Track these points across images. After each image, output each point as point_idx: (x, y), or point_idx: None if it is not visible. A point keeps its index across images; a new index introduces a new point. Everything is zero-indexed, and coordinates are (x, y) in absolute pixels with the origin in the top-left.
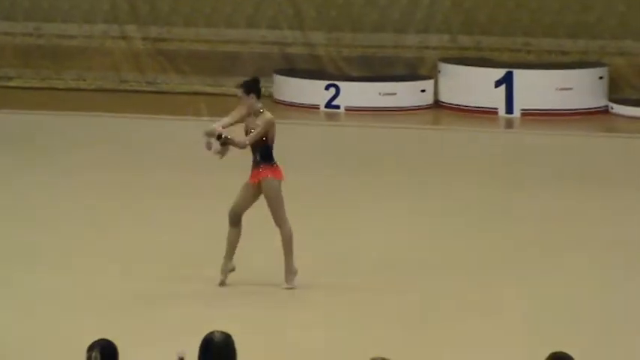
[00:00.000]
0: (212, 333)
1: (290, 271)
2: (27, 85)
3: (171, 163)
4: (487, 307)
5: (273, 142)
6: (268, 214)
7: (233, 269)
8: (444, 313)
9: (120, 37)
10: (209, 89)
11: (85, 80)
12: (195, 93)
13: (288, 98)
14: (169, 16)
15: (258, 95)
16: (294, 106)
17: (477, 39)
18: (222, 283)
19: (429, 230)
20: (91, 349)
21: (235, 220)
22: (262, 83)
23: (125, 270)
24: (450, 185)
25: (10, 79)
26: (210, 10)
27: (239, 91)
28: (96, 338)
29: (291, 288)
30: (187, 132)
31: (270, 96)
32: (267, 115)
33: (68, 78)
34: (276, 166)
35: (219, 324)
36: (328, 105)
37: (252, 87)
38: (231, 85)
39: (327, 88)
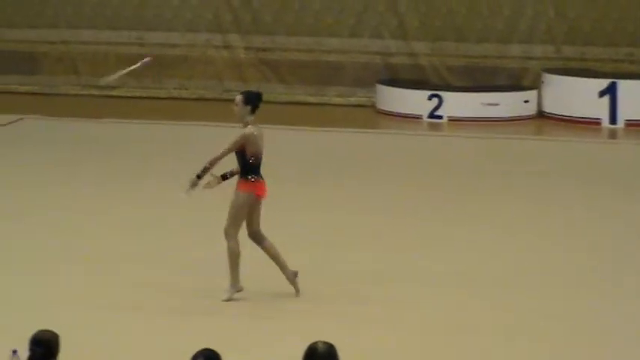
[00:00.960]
0: (316, 343)
1: (232, 284)
2: (129, 94)
3: (272, 172)
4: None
5: (254, 156)
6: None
7: (296, 274)
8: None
9: (222, 46)
10: (311, 99)
11: (187, 89)
12: (298, 103)
13: (390, 108)
14: (272, 26)
15: (254, 110)
16: (397, 116)
17: (581, 49)
18: (298, 292)
19: (533, 240)
20: (195, 358)
21: (258, 239)
22: (364, 93)
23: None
24: (553, 195)
25: (113, 88)
26: (313, 20)
27: (239, 98)
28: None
29: (227, 300)
30: (289, 141)
31: (373, 106)
32: (247, 130)
33: (170, 87)
34: (255, 180)
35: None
36: (431, 115)
37: (251, 99)
38: (333, 95)
39: (429, 98)
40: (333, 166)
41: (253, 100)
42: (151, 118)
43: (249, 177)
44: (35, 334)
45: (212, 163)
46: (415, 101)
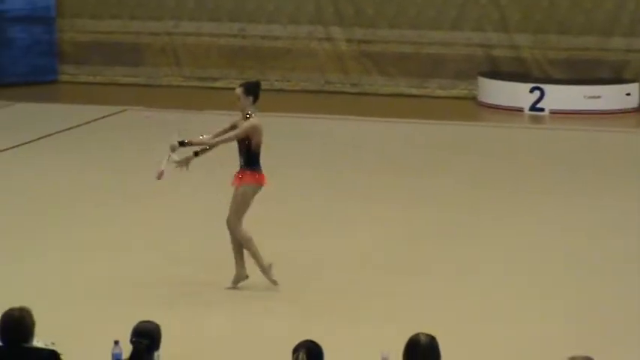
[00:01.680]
0: (417, 335)
1: (262, 269)
2: (232, 86)
3: (373, 164)
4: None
5: (258, 147)
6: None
7: (246, 277)
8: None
9: (324, 38)
10: (414, 91)
11: (289, 81)
12: (400, 95)
13: (492, 100)
14: (374, 18)
15: (255, 100)
16: (498, 108)
17: None
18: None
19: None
20: (296, 350)
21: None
22: (466, 86)
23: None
24: None
25: (215, 79)
26: (415, 13)
27: (239, 90)
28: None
29: (274, 282)
30: (391, 133)
31: (474, 98)
32: (253, 120)
33: (273, 79)
34: (258, 171)
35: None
36: (533, 108)
37: (252, 89)
38: (435, 88)
39: (531, 90)
40: (432, 159)
41: (254, 90)
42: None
43: (254, 168)
44: (138, 326)
45: (214, 145)
46: (517, 94)
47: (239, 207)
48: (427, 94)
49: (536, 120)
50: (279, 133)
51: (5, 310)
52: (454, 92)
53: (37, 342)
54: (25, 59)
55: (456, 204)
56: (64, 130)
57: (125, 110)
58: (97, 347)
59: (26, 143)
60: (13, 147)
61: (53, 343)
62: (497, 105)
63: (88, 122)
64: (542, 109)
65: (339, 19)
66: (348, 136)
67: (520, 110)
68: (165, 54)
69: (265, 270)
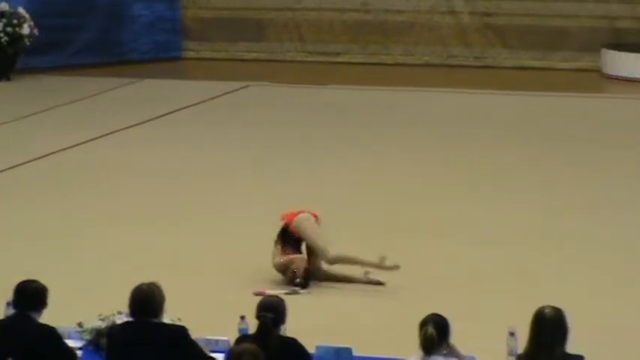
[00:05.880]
0: (543, 308)
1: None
2: (355, 60)
3: (496, 137)
4: None
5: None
6: None
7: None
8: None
9: (447, 12)
10: (536, 64)
11: (412, 55)
12: (523, 67)
13: (616, 72)
14: None
15: None
16: (623, 80)
17: None
18: None
19: None
20: (424, 324)
21: None
22: (590, 58)
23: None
24: None
25: (338, 54)
26: None
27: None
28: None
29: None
30: (513, 106)
31: (598, 70)
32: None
33: (396, 53)
34: None
35: None
36: None
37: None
38: (558, 60)
39: None
40: (552, 130)
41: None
42: (376, 84)
43: None
44: (263, 300)
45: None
46: None
47: (317, 237)
48: (550, 67)
49: None
50: (403, 107)
51: (136, 285)
52: (578, 65)
53: (164, 318)
54: (148, 36)
55: (586, 176)
56: (189, 106)
57: (248, 86)
58: (223, 322)
59: (153, 119)
60: (142, 123)
61: (179, 319)
62: (621, 76)
63: (213, 98)
64: None
65: None
66: (470, 110)
67: None
68: (288, 29)
69: (380, 265)
